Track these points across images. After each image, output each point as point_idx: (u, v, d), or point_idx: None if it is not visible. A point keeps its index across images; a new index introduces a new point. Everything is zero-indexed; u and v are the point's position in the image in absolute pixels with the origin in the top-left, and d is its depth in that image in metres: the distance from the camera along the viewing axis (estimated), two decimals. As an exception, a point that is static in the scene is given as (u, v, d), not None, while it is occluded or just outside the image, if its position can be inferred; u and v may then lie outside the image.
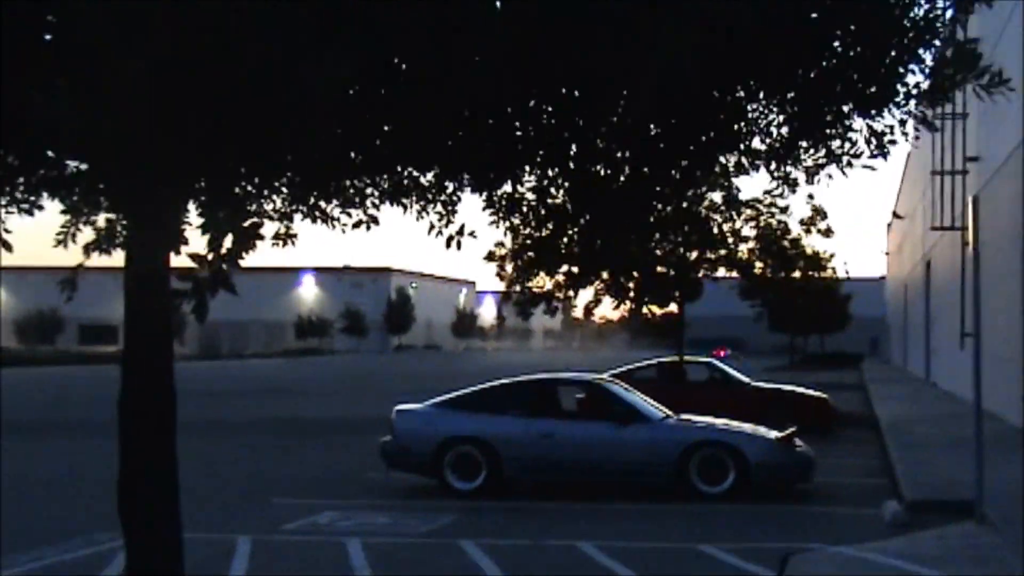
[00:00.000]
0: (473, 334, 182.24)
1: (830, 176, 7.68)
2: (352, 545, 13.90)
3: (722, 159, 7.57)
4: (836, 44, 6.51)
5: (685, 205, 8.65)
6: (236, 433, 29.98)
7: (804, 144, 7.22)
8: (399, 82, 6.05)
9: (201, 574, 11.48)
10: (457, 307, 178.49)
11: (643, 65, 5.28)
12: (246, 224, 5.96)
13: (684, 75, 5.30)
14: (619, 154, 7.31)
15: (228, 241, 6.00)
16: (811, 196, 32.30)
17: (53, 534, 14.55)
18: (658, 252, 26.32)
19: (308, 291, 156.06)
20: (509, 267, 28.91)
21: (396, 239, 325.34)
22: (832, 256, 46.90)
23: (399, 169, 7.32)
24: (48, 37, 5.52)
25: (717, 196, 25.06)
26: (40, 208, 7.35)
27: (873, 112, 6.86)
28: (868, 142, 7.08)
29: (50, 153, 6.65)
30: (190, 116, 5.76)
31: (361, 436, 26.26)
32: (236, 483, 19.82)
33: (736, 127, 7.12)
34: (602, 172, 7.45)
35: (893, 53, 6.48)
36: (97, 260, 7.41)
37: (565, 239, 8.50)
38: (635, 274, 27.04)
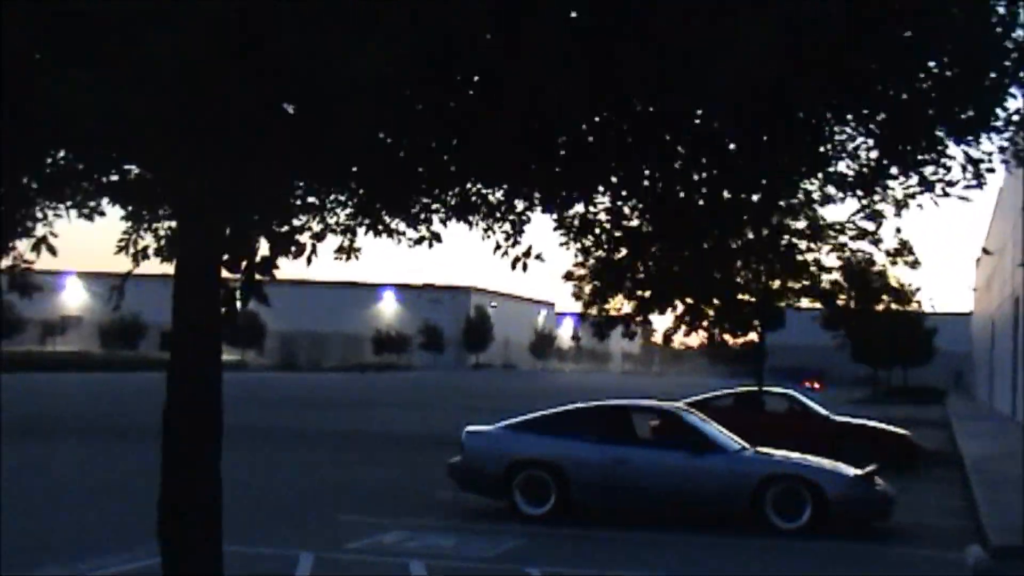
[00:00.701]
0: (551, 355, 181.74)
1: (920, 206, 7.31)
2: (416, 567, 13.67)
3: (806, 184, 7.22)
4: (931, 64, 6.13)
5: (767, 232, 8.27)
6: (307, 445, 29.90)
7: (894, 170, 6.84)
8: (464, 91, 5.79)
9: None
10: (536, 327, 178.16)
11: (717, 66, 4.94)
12: (281, 230, 5.72)
13: (761, 77, 4.95)
14: (697, 176, 7.01)
15: (264, 248, 5.78)
16: (898, 230, 31.73)
17: (120, 541, 14.43)
18: (739, 279, 25.87)
19: (388, 306, 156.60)
20: (587, 288, 28.67)
21: (477, 259, 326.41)
22: (918, 289, 46.13)
23: (467, 185, 7.07)
24: (69, 23, 5.30)
25: (801, 224, 24.63)
26: (102, 214, 7.22)
27: (969, 138, 6.45)
28: (964, 169, 6.64)
29: (112, 155, 6.49)
30: (227, 109, 5.51)
31: (433, 453, 26.02)
32: (303, 496, 19.66)
33: (821, 150, 6.77)
34: (679, 194, 7.15)
35: (993, 75, 6.08)
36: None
37: (641, 262, 8.19)
38: (715, 301, 26.62)
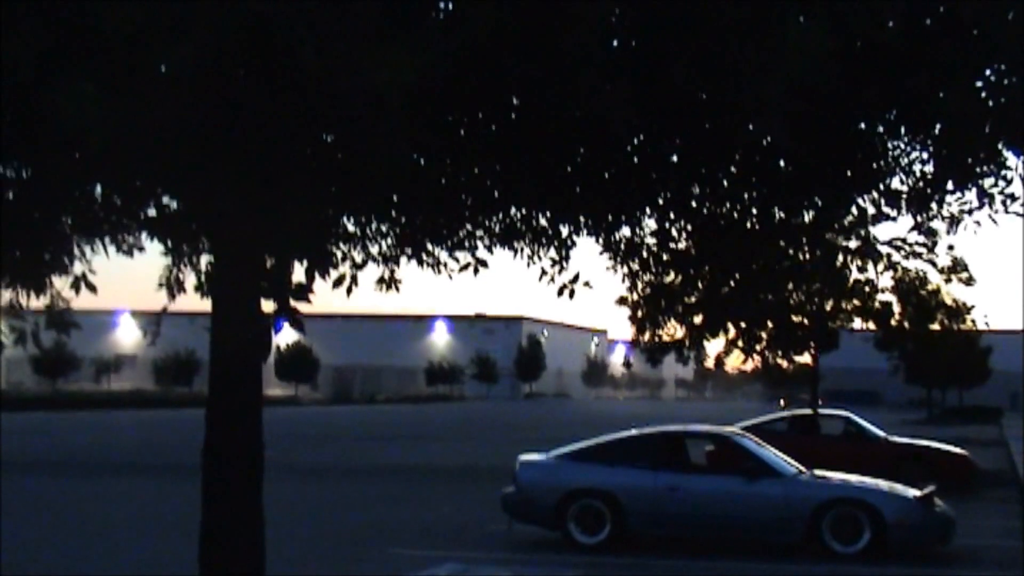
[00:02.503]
0: (604, 383, 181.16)
1: (978, 223, 7.08)
2: (470, 600, 13.50)
3: (859, 201, 7.01)
4: (988, 72, 5.92)
5: (818, 252, 8.07)
6: (358, 478, 29.76)
7: (950, 185, 6.62)
8: (504, 112, 5.64)
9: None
10: (588, 356, 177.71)
11: (768, 78, 4.75)
12: (315, 256, 5.58)
13: (813, 89, 4.77)
14: (747, 195, 6.82)
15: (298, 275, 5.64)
16: (951, 247, 31.34)
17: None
18: (791, 301, 25.55)
19: (440, 338, 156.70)
20: (639, 313, 28.43)
21: (528, 288, 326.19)
22: (972, 307, 45.50)
23: (511, 210, 6.91)
24: (77, 34, 5.16)
25: (853, 243, 24.30)
26: (141, 249, 7.13)
27: (1030, 149, 6.21)
28: (1024, 181, 6.40)
29: (148, 188, 6.38)
30: (249, 126, 5.35)
31: (486, 484, 25.82)
32: (354, 531, 19.51)
33: (875, 165, 6.57)
34: (729, 214, 6.96)
35: (1053, 81, 5.86)
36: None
37: (690, 286, 8.00)
38: (768, 324, 26.31)
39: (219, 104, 5.23)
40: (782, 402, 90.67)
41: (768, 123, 4.97)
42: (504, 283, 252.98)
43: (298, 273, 6.13)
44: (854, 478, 18.31)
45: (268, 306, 6.30)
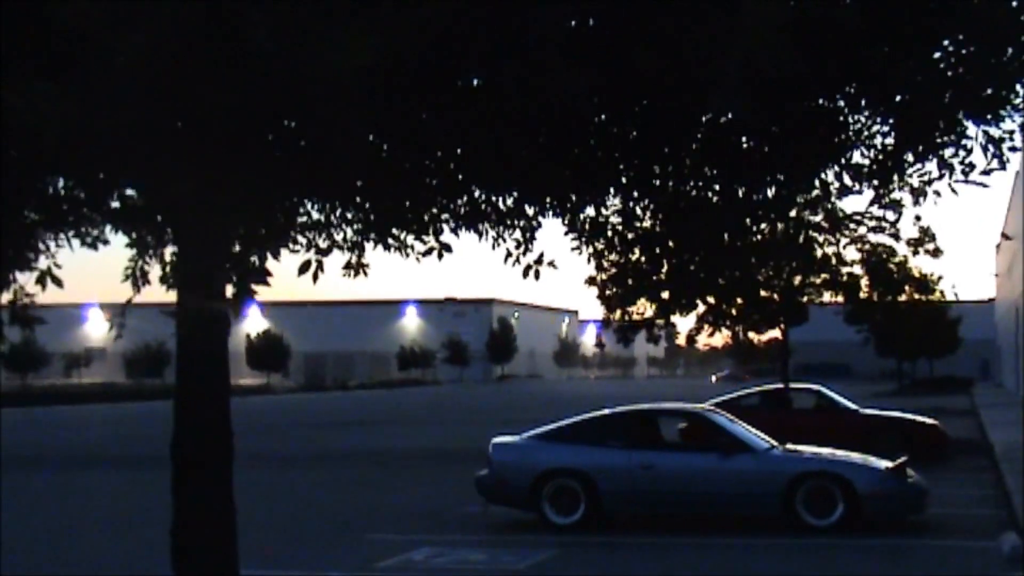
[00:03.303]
0: (576, 363, 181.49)
1: (938, 193, 7.10)
2: (446, 584, 13.52)
3: (822, 176, 7.03)
4: (946, 42, 5.94)
5: (784, 227, 8.09)
6: (333, 464, 29.74)
7: (911, 157, 6.64)
8: (465, 93, 5.61)
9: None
10: (560, 336, 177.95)
11: (728, 48, 4.74)
12: (270, 240, 5.54)
13: (772, 66, 4.77)
14: (709, 172, 6.82)
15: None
16: (918, 218, 31.51)
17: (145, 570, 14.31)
18: (760, 277, 25.65)
19: (411, 322, 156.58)
20: (608, 293, 28.49)
21: (497, 270, 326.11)
22: (940, 278, 45.77)
23: (475, 192, 6.89)
24: (29, 31, 5.12)
25: (818, 217, 24.38)
26: (105, 242, 7.08)
27: (989, 117, 6.22)
28: (985, 149, 6.40)
29: (111, 180, 6.34)
30: (208, 116, 5.31)
31: (460, 467, 25.84)
32: (330, 517, 19.50)
33: (836, 139, 6.58)
34: (692, 192, 6.96)
35: (1011, 51, 5.87)
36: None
37: (655, 264, 7.99)
38: (737, 300, 26.39)
39: (177, 92, 5.19)
40: (714, 378, 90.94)
41: (727, 99, 4.96)
42: (473, 266, 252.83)
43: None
44: (826, 451, 18.40)
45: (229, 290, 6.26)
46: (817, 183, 7.12)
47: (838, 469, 17.16)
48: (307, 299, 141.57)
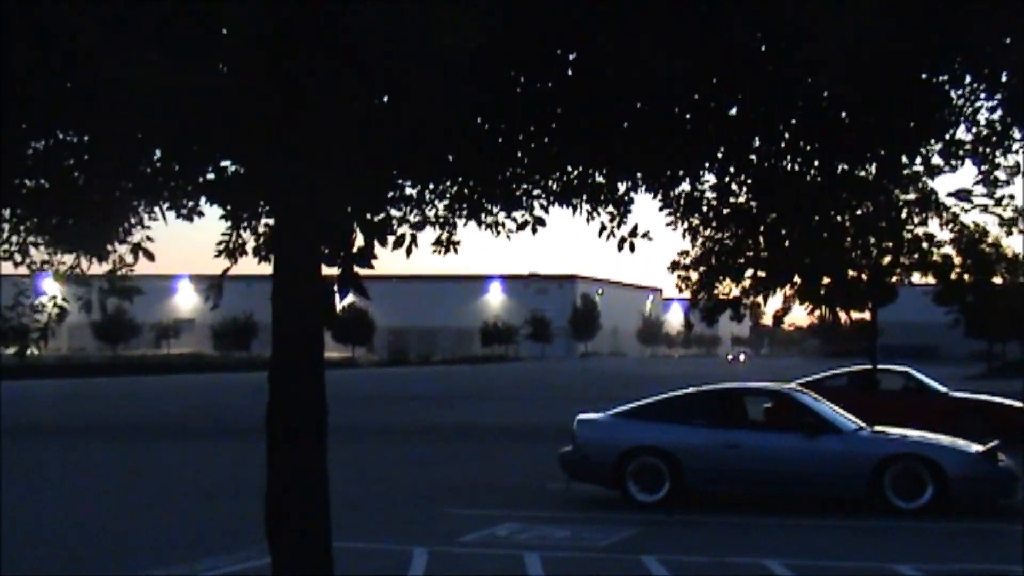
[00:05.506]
0: (659, 341, 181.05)
1: (1040, 171, 6.97)
2: (531, 559, 13.52)
3: (922, 151, 6.92)
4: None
5: (880, 205, 7.98)
6: (416, 439, 29.91)
7: (1016, 133, 6.52)
8: (562, 69, 5.58)
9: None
10: (643, 314, 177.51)
11: (829, 26, 4.66)
12: (376, 219, 5.54)
13: (874, 40, 4.68)
14: (808, 147, 6.73)
15: (359, 240, 5.61)
16: (1011, 197, 31.04)
17: (236, 541, 14.47)
18: (851, 256, 25.36)
19: (495, 298, 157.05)
20: (694, 275, 28.36)
21: (582, 246, 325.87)
22: (1035, 258, 44.88)
23: (568, 168, 6.85)
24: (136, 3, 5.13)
25: (911, 196, 24.06)
26: (200, 214, 7.15)
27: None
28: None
29: (206, 152, 6.38)
30: (308, 92, 5.30)
31: (543, 444, 25.86)
32: (414, 491, 19.59)
33: (938, 115, 6.46)
34: (789, 167, 6.88)
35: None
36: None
37: (750, 241, 7.92)
38: (826, 279, 26.13)
39: (278, 67, 5.20)
40: (729, 357, 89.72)
41: (828, 76, 4.89)
42: (556, 242, 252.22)
43: (359, 237, 6.10)
44: (915, 433, 18.18)
45: (330, 271, 6.29)
46: (918, 160, 7.02)
47: (928, 452, 16.94)
48: (391, 273, 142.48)
